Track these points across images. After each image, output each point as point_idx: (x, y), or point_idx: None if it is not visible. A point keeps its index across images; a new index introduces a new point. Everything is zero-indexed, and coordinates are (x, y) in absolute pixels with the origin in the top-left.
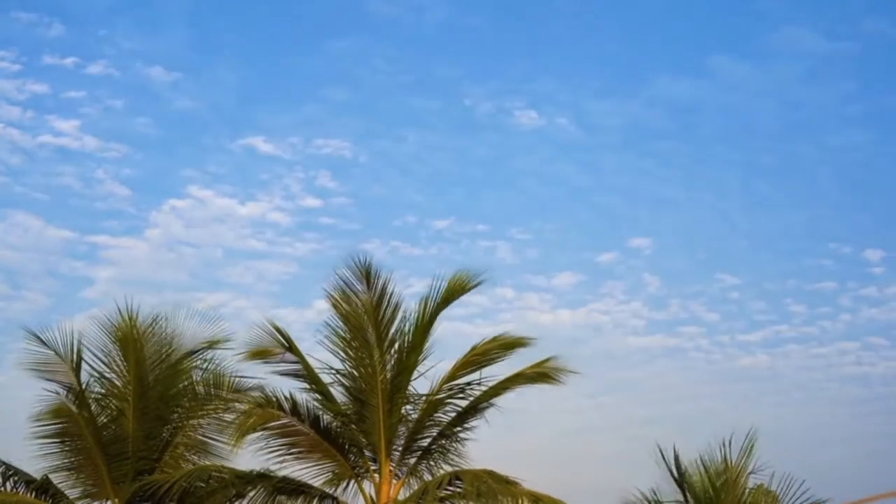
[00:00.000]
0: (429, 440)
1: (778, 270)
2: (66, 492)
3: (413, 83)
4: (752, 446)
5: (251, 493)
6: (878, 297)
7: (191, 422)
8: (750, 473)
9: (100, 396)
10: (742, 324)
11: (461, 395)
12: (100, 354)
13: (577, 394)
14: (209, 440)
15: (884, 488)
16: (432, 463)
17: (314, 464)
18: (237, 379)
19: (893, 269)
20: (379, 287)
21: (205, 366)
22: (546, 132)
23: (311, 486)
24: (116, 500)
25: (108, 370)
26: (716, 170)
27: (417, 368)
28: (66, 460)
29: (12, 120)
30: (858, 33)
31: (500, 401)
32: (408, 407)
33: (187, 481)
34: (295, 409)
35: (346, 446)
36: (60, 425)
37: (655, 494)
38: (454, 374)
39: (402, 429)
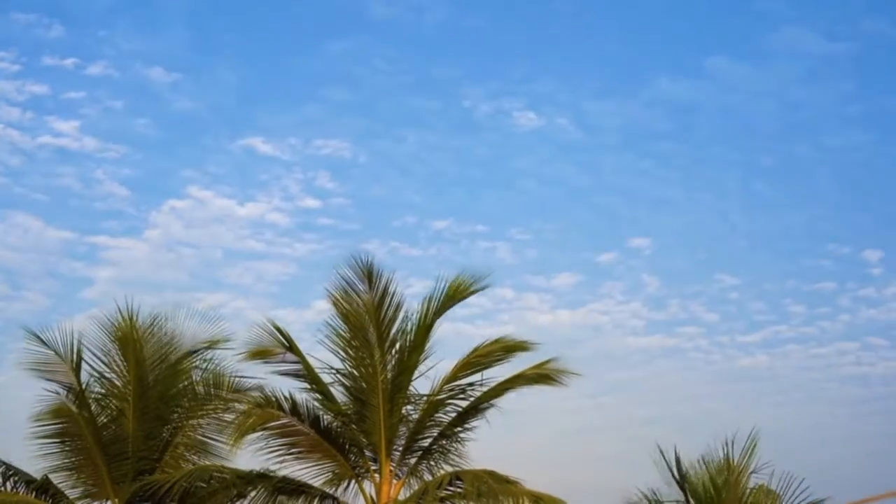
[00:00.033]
0: (429, 440)
1: (777, 271)
2: (66, 492)
3: (413, 83)
4: (754, 446)
5: (251, 493)
6: (877, 298)
7: (191, 422)
8: (751, 473)
9: (100, 396)
10: (741, 324)
11: (462, 396)
12: (100, 354)
13: (577, 394)
14: (209, 440)
15: (884, 488)
16: (433, 463)
17: (314, 464)
18: (237, 379)
19: (892, 270)
20: (381, 287)
21: (205, 366)
22: (545, 132)
23: (311, 486)
24: (116, 500)
25: (108, 370)
26: (715, 170)
27: (418, 369)
28: (66, 460)
29: (12, 121)
30: (858, 34)
31: (500, 401)
32: (408, 407)
33: (187, 481)
34: (295, 409)
35: (347, 446)
36: (60, 425)
37: (656, 494)
38: (455, 375)
39: (402, 429)
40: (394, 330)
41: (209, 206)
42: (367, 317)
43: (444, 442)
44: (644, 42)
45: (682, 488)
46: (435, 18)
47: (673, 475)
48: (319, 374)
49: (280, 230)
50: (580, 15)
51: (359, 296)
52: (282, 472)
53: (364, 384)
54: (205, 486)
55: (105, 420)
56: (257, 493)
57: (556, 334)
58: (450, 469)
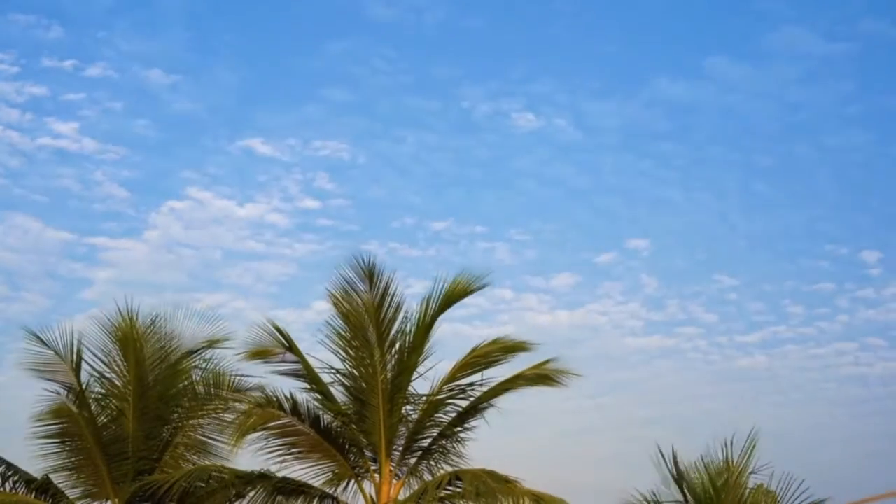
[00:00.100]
0: (429, 440)
1: (776, 271)
2: (66, 492)
3: (412, 84)
4: (753, 446)
5: (251, 494)
6: (876, 299)
7: (191, 422)
8: (750, 473)
9: (100, 396)
10: (740, 324)
11: (461, 396)
12: (100, 354)
13: (576, 394)
14: (209, 440)
15: (883, 488)
16: (432, 463)
17: (314, 464)
18: (237, 379)
19: (891, 271)
20: (381, 287)
21: (204, 366)
22: (545, 133)
23: (311, 486)
24: (116, 500)
25: (108, 370)
26: (714, 171)
27: (417, 369)
28: (66, 460)
29: (11, 122)
30: (857, 34)
31: (500, 401)
32: (408, 407)
33: (187, 481)
34: (295, 408)
35: (347, 446)
36: (60, 425)
37: (655, 495)
38: (454, 375)
39: (402, 429)
40: (394, 330)
41: (208, 207)
42: (367, 317)
43: (443, 442)
44: (643, 42)
45: (681, 489)
46: (434, 18)
47: (672, 475)
48: (319, 374)
49: (279, 231)
50: (580, 15)
51: (359, 296)
52: (282, 473)
53: (364, 384)
54: (204, 486)
55: (105, 420)
56: (257, 493)
57: (555, 335)
58: (449, 469)
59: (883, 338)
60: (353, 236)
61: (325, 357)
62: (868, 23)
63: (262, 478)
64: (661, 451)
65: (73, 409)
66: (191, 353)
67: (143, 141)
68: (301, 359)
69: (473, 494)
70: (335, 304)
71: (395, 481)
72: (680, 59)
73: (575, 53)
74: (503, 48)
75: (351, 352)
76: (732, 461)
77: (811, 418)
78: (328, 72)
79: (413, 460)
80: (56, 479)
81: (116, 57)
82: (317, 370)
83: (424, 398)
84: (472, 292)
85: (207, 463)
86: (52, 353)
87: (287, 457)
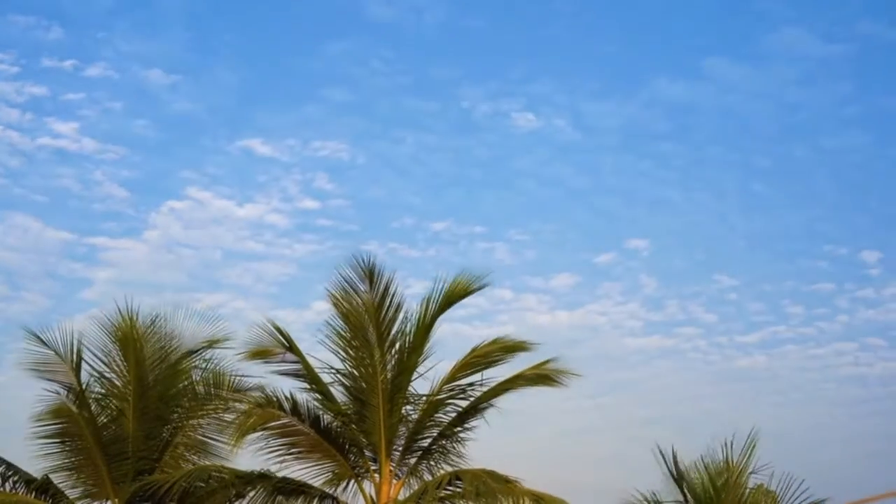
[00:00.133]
0: (429, 440)
1: (775, 271)
2: (66, 492)
3: (411, 84)
4: (753, 446)
5: (251, 494)
6: (875, 299)
7: (191, 422)
8: (750, 473)
9: (100, 396)
10: (740, 325)
11: (461, 396)
12: (100, 354)
13: (576, 394)
14: (209, 440)
15: (883, 488)
16: (432, 463)
17: (314, 464)
18: (237, 379)
19: (890, 271)
20: (381, 287)
21: (204, 366)
22: (544, 133)
23: (311, 486)
24: (116, 500)
25: (108, 370)
26: (713, 171)
27: (417, 369)
28: (66, 460)
29: (11, 122)
30: (855, 35)
31: (500, 401)
32: (408, 407)
33: (187, 481)
34: (295, 408)
35: (347, 446)
36: (60, 425)
37: (655, 495)
38: (454, 375)
39: (402, 429)
40: (394, 330)
41: (208, 207)
42: (367, 317)
43: (443, 442)
44: (643, 42)
45: (680, 489)
46: (434, 19)
47: (672, 475)
48: (319, 374)
49: (279, 231)
50: (579, 15)
51: (359, 296)
52: (282, 473)
53: (364, 384)
54: (204, 486)
55: (105, 420)
56: (257, 493)
57: (555, 335)
58: (449, 469)
59: (883, 338)
60: (353, 236)
61: (325, 357)
62: (866, 24)
63: (262, 478)
64: (661, 451)
65: (73, 409)
66: (191, 353)
67: (143, 141)
68: (301, 359)
69: (473, 494)
70: (335, 305)
71: (395, 481)
72: (679, 60)
73: (574, 53)
74: (503, 48)
75: (351, 352)
76: (732, 461)
77: (811, 418)
78: (328, 72)
79: (413, 460)
80: (56, 479)
81: (116, 57)
82: (317, 370)
83: (424, 398)
84: (471, 292)
85: (207, 463)
86: (52, 353)
87: (287, 457)
